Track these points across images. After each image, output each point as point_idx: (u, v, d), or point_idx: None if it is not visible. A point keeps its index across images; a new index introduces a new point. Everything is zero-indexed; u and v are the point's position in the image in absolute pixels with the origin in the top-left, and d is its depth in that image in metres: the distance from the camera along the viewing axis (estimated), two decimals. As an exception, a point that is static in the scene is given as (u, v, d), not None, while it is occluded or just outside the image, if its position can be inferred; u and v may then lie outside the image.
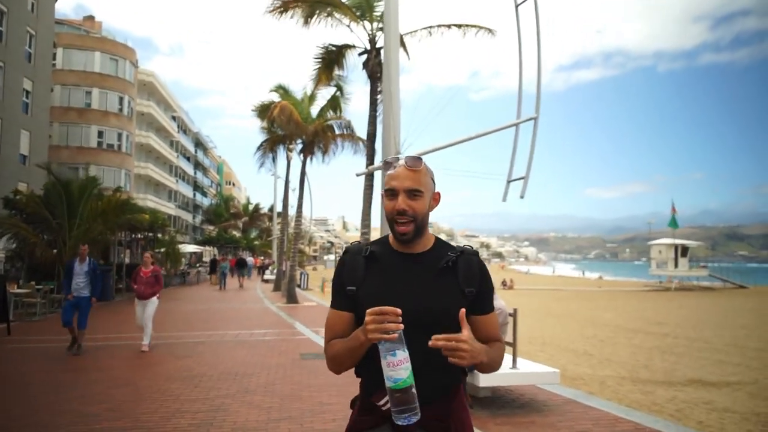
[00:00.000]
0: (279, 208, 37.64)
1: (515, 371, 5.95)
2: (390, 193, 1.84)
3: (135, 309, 10.30)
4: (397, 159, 1.88)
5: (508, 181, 10.20)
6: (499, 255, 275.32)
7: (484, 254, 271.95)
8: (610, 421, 5.65)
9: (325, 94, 20.41)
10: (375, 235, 9.61)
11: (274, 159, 24.90)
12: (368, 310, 1.66)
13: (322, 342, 11.02)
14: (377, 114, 13.24)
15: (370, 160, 12.65)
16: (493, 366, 1.84)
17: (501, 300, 6.10)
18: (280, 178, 35.96)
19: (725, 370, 10.18)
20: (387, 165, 1.92)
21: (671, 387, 8.76)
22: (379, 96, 13.37)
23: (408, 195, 1.81)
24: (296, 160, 24.93)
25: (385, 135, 9.41)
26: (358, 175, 10.97)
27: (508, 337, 6.12)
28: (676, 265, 45.45)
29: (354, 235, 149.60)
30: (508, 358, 6.12)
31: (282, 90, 20.88)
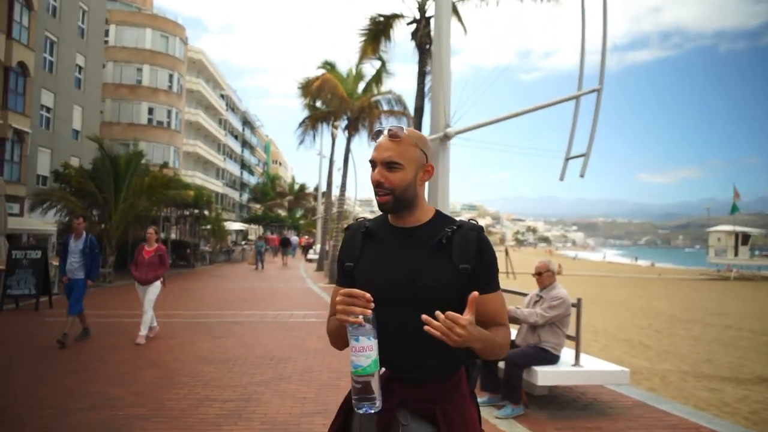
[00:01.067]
0: (324, 187, 37.43)
1: (578, 369, 5.27)
2: (371, 164, 1.81)
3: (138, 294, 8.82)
4: (381, 131, 1.83)
5: (566, 159, 9.44)
6: (546, 239, 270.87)
7: (530, 238, 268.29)
8: (690, 429, 4.94)
9: (372, 70, 19.79)
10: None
11: (314, 136, 24.45)
12: (340, 291, 1.65)
13: (363, 326, 10.63)
14: (425, 87, 12.54)
15: (418, 135, 12.01)
16: (490, 353, 1.72)
17: (563, 288, 5.43)
18: (325, 157, 35.73)
19: None
20: (376, 135, 1.86)
21: (740, 385, 8.16)
22: (427, 68, 12.68)
23: (385, 167, 1.77)
24: (341, 138, 24.45)
25: (434, 108, 8.76)
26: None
27: (571, 330, 5.45)
28: (736, 254, 43.51)
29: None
30: (570, 354, 5.47)
31: (329, 66, 20.32)
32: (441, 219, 1.86)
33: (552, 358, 5.29)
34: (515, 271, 31.60)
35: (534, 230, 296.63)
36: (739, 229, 45.09)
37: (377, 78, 19.06)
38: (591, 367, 5.34)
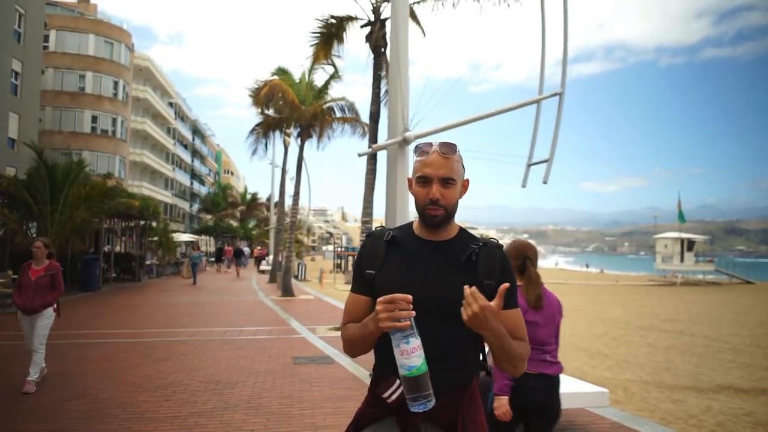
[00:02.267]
0: (277, 197, 36.60)
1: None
2: (422, 181, 1.84)
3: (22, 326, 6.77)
4: (430, 144, 1.85)
5: (528, 165, 9.16)
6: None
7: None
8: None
9: (325, 76, 19.25)
10: (376, 225, 8.54)
11: (267, 144, 23.69)
12: (378, 299, 1.66)
13: (317, 342, 10.02)
14: (380, 92, 12.10)
15: (373, 141, 11.51)
16: (505, 357, 1.76)
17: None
18: (277, 166, 34.94)
19: (754, 374, 9.56)
20: (419, 150, 1.87)
21: (702, 394, 8.04)
22: (382, 72, 12.25)
23: (442, 183, 1.82)
24: (294, 147, 23.80)
25: (392, 111, 8.32)
26: (360, 155, 9.84)
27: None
28: (681, 260, 44.66)
29: (353, 226, 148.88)
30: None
31: (282, 73, 19.67)
32: (466, 236, 1.93)
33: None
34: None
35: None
36: (684, 235, 46.32)
37: (330, 84, 18.52)
38: (569, 388, 4.91)
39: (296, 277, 23.78)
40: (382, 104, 12.46)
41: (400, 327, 1.60)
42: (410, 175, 1.90)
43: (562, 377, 5.07)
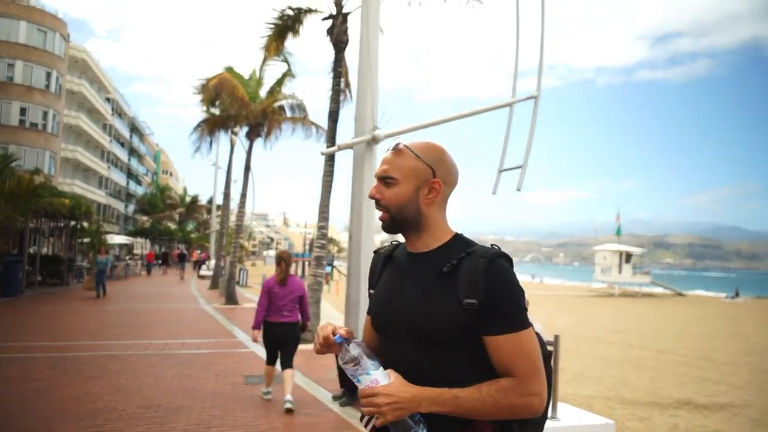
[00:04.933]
0: (219, 200, 35.25)
1: (557, 424, 4.25)
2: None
3: None
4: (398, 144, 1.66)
5: (500, 171, 8.68)
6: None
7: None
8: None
9: (277, 73, 18.36)
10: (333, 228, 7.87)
11: (211, 143, 22.50)
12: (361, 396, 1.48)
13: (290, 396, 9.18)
14: (341, 89, 11.41)
15: (332, 141, 10.80)
16: (487, 415, 1.45)
17: (537, 323, 4.44)
18: (220, 167, 33.65)
19: (709, 388, 9.73)
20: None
21: (664, 411, 8.06)
22: (342, 70, 11.58)
23: (381, 181, 1.63)
24: (240, 149, 22.73)
25: (360, 109, 7.66)
26: (324, 154, 9.20)
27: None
28: (620, 271, 45.87)
29: (295, 232, 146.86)
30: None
31: (230, 71, 18.63)
32: (457, 244, 1.61)
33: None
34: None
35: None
36: (624, 248, 47.72)
37: (282, 81, 17.60)
38: (571, 420, 4.35)
39: (238, 282, 22.69)
40: (343, 102, 11.80)
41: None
42: None
43: (561, 406, 4.55)
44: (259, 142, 19.33)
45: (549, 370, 1.60)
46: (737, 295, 45.59)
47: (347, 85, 12.51)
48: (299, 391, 7.04)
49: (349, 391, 6.42)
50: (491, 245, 1.58)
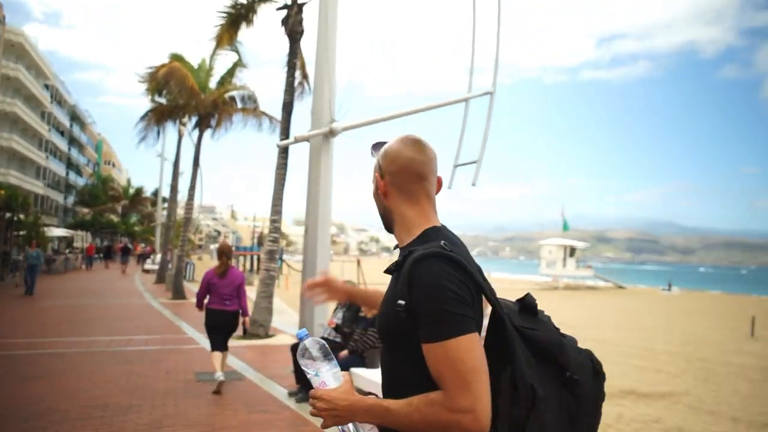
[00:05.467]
0: (165, 192, 34.30)
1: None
2: None
3: None
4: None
5: (455, 166, 8.75)
6: (389, 249, 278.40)
7: (373, 248, 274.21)
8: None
9: (228, 63, 17.91)
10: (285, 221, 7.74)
11: (158, 133, 21.78)
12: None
13: (223, 373, 8.96)
14: (294, 81, 11.21)
15: (286, 133, 10.60)
16: (406, 428, 1.35)
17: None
18: (167, 159, 32.71)
19: (650, 377, 9.99)
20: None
21: (609, 400, 7.71)
22: (298, 61, 11.39)
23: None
24: (187, 140, 22.12)
25: (317, 100, 7.56)
26: (279, 145, 8.99)
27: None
28: (564, 265, 47.06)
29: (243, 225, 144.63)
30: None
31: (178, 59, 18.03)
32: (419, 241, 1.51)
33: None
34: (366, 282, 31.04)
35: (377, 240, 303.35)
36: (568, 242, 49.01)
37: (233, 71, 17.16)
38: None
39: (184, 277, 22.12)
40: (298, 94, 11.62)
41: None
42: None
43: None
44: (207, 134, 18.85)
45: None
46: (670, 287, 47.66)
47: (304, 77, 12.33)
48: (253, 387, 6.90)
49: (305, 388, 6.33)
50: (442, 243, 1.43)
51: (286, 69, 11.02)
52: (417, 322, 1.37)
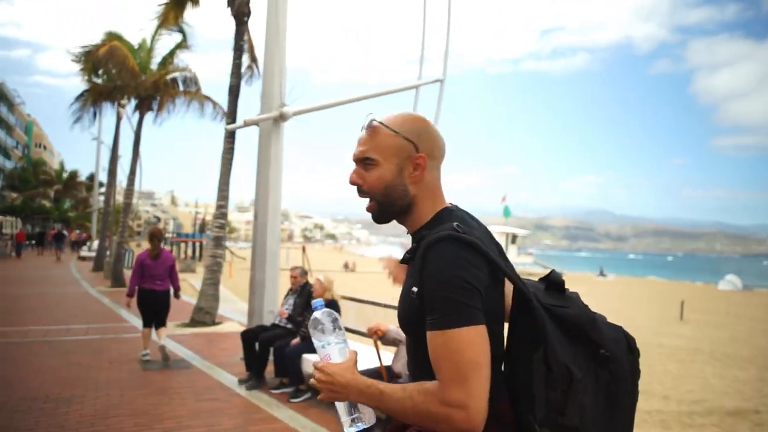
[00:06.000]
0: (102, 177, 33.09)
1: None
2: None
3: None
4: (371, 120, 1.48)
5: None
6: (333, 236, 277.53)
7: (317, 235, 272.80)
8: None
9: (168, 43, 17.30)
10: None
11: (95, 115, 20.81)
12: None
13: (166, 342, 8.69)
14: (242, 65, 10.96)
15: (232, 117, 10.35)
16: (402, 418, 1.32)
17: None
18: (103, 142, 31.48)
19: None
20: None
21: None
22: (245, 44, 11.14)
23: (360, 164, 1.49)
24: (126, 122, 21.33)
25: (267, 84, 7.42)
26: (228, 129, 8.75)
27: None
28: (506, 252, 48.28)
29: (184, 211, 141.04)
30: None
31: (116, 38, 17.24)
32: (432, 224, 1.45)
33: (437, 387, 4.36)
34: (312, 269, 30.89)
35: (321, 227, 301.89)
36: (510, 229, 50.26)
37: (174, 52, 16.53)
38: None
39: (123, 264, 21.37)
40: (245, 78, 11.38)
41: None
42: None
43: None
44: (147, 117, 18.17)
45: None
46: (602, 273, 49.70)
47: (253, 60, 12.06)
48: (202, 375, 6.78)
49: (255, 375, 6.26)
50: (456, 225, 1.36)
51: (232, 51, 10.77)
52: (424, 306, 1.32)
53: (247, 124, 7.40)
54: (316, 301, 1.51)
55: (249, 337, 6.53)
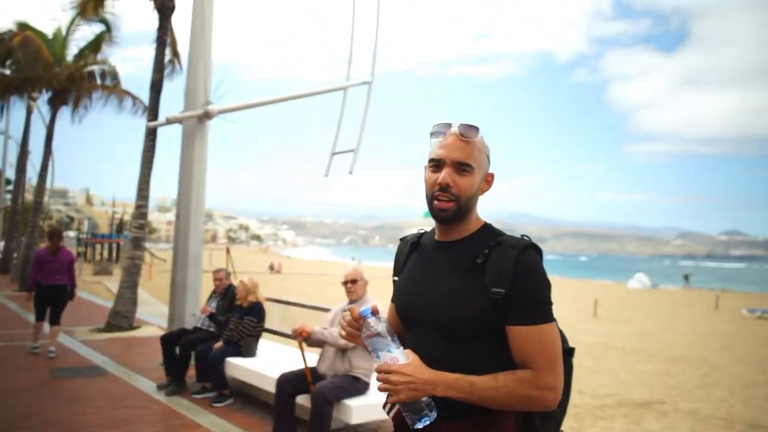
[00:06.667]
0: (9, 173, 31.12)
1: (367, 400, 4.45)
2: (434, 164, 1.61)
3: None
4: (449, 125, 1.61)
5: (333, 154, 8.79)
6: (258, 238, 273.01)
7: (242, 236, 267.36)
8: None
9: (87, 34, 16.46)
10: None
11: (2, 108, 19.55)
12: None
13: (79, 348, 8.34)
14: (165, 58, 10.61)
15: (154, 114, 10.00)
16: (483, 405, 1.46)
17: (376, 300, 4.55)
18: (10, 137, 29.60)
19: None
20: (436, 132, 1.63)
21: None
22: (168, 38, 10.80)
23: (455, 169, 1.57)
24: (37, 117, 20.15)
25: (191, 80, 7.23)
26: (150, 126, 8.42)
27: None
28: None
29: (100, 211, 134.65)
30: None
31: (30, 29, 16.21)
32: (487, 233, 1.62)
33: (363, 387, 4.38)
34: (237, 271, 30.29)
35: (247, 228, 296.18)
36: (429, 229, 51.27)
37: (97, 44, 15.75)
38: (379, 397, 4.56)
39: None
40: (167, 72, 11.02)
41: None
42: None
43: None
44: (62, 112, 17.22)
45: (569, 366, 1.66)
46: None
47: (175, 54, 11.69)
48: (118, 382, 6.50)
49: (175, 380, 6.07)
50: (522, 236, 1.59)
51: (155, 46, 10.41)
52: (513, 307, 1.49)
53: (169, 121, 7.17)
54: (364, 310, 1.55)
55: (169, 340, 6.33)
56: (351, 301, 4.54)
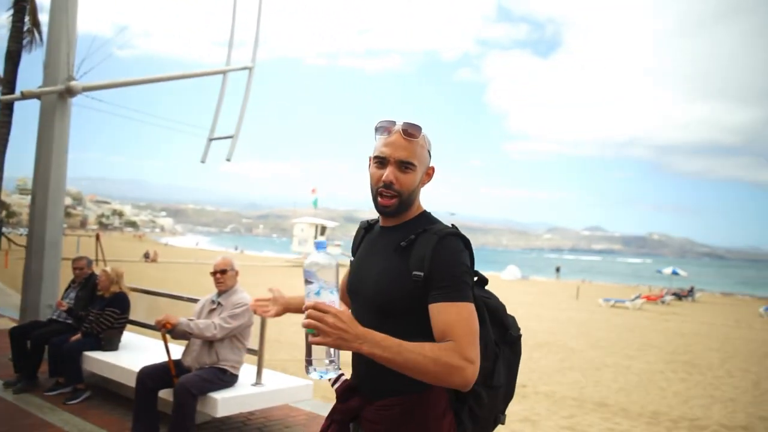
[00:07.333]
0: None
1: (261, 389, 4.39)
2: (379, 161, 1.71)
3: None
4: (394, 123, 1.71)
5: (210, 139, 8.53)
6: (134, 224, 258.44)
7: (116, 222, 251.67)
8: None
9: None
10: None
11: None
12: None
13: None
14: (23, 27, 9.73)
15: (10, 87, 9.13)
16: (406, 369, 1.48)
17: (245, 292, 4.49)
18: None
19: None
20: (380, 129, 1.72)
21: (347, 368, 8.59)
22: (27, 4, 9.90)
23: (398, 167, 1.68)
24: None
25: (51, 53, 6.66)
26: (2, 99, 7.62)
27: (252, 343, 4.56)
28: (315, 242, 49.18)
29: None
30: (251, 371, 4.57)
31: None
32: (420, 221, 1.74)
33: (231, 380, 4.29)
34: (106, 259, 28.45)
35: (121, 214, 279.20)
36: (319, 221, 51.30)
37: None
38: (274, 385, 4.53)
39: None
40: (26, 42, 10.09)
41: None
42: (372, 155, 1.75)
43: (266, 372, 4.71)
44: None
45: (516, 353, 1.88)
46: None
47: (34, 24, 10.73)
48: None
49: (25, 377, 5.61)
50: (451, 225, 1.72)
51: (11, 13, 9.50)
52: (432, 287, 1.59)
53: (25, 96, 6.55)
54: (322, 242, 1.53)
55: (19, 334, 5.83)
56: (220, 292, 4.44)
